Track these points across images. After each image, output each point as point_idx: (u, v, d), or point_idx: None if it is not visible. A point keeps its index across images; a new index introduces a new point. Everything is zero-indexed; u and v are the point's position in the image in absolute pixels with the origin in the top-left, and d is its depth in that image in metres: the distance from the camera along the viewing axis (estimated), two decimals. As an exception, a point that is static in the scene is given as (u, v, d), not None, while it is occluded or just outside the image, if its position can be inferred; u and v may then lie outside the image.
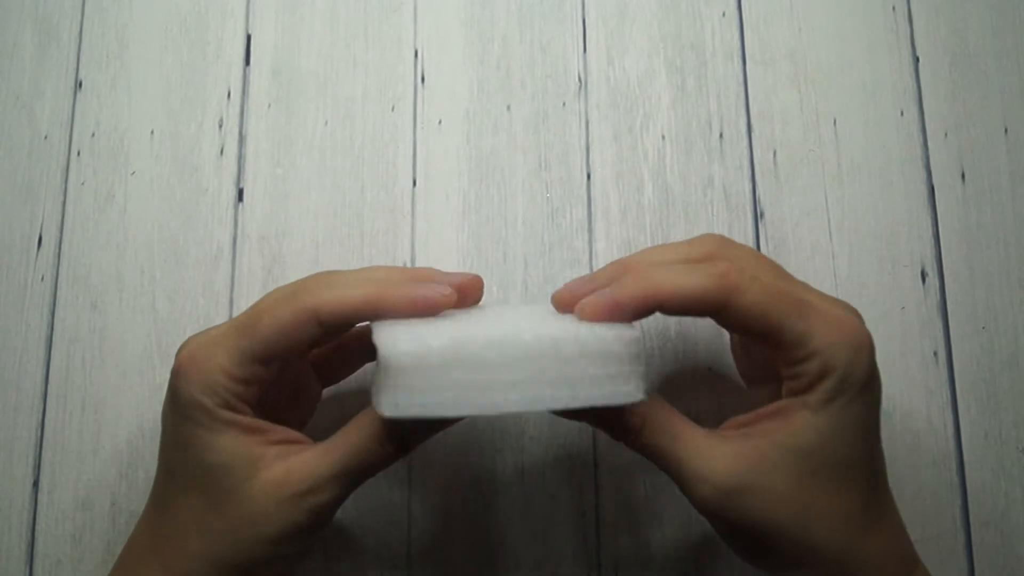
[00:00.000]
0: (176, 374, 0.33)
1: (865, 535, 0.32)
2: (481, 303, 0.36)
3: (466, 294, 0.35)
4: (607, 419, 0.33)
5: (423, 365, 0.30)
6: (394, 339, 0.30)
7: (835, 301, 0.34)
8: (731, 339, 0.40)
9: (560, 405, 0.30)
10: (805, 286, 0.34)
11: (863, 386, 0.32)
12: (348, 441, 0.33)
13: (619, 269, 0.33)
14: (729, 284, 0.31)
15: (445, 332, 0.31)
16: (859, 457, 0.33)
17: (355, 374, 0.41)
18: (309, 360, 0.39)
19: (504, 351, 0.30)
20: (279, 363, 0.34)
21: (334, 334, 0.35)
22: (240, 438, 0.33)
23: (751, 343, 0.38)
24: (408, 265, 0.44)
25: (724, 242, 0.35)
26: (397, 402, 0.30)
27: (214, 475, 0.33)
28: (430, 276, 0.34)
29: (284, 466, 0.33)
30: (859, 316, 0.34)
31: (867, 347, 0.32)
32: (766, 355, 0.36)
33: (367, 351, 0.36)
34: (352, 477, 0.33)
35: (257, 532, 0.33)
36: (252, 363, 0.33)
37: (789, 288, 0.33)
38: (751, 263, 0.34)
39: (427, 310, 0.32)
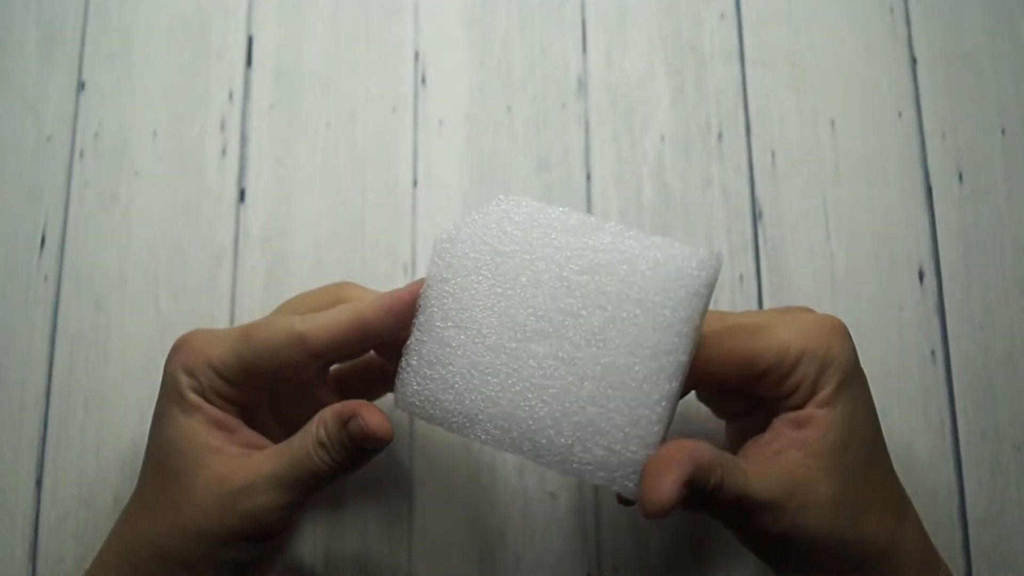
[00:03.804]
0: (171, 350, 0.34)
1: (903, 521, 0.33)
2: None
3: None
4: (699, 499, 0.30)
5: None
6: None
7: (787, 310, 0.35)
8: (696, 391, 0.38)
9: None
10: (754, 312, 0.36)
11: (856, 367, 0.33)
12: (291, 447, 0.33)
13: None
14: None
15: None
16: (878, 438, 0.33)
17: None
18: (335, 383, 0.39)
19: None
20: (273, 377, 0.34)
21: (329, 359, 0.35)
22: (202, 425, 0.33)
23: (735, 397, 0.37)
24: (409, 265, 0.44)
25: None
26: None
27: (168, 453, 0.33)
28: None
29: (230, 464, 0.33)
30: (807, 310, 0.35)
31: (841, 329, 0.33)
32: (746, 395, 0.35)
33: (389, 379, 0.35)
34: (293, 483, 0.32)
35: (194, 526, 0.32)
36: (239, 369, 0.33)
37: (735, 321, 0.33)
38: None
39: (410, 306, 0.33)
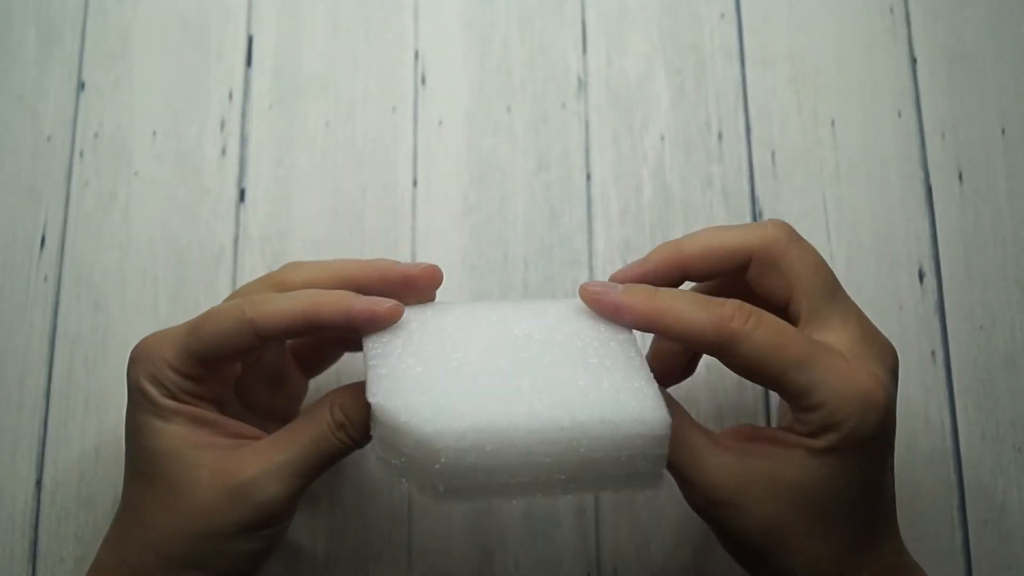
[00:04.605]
0: (129, 363, 0.34)
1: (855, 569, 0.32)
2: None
3: (418, 285, 0.34)
4: None
5: (463, 448, 0.28)
6: (410, 403, 0.29)
7: (866, 340, 0.33)
8: None
9: (596, 488, 0.31)
10: (845, 312, 0.34)
11: (867, 441, 0.31)
12: (300, 432, 0.33)
13: (666, 252, 0.34)
14: (727, 329, 0.31)
15: (465, 392, 0.30)
16: (853, 503, 0.32)
17: (340, 366, 0.41)
18: (290, 351, 0.39)
19: (545, 436, 0.29)
20: (228, 364, 0.34)
21: (279, 341, 0.35)
22: (185, 427, 0.33)
23: None
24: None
25: (788, 233, 0.34)
26: (441, 486, 0.29)
27: (159, 462, 0.33)
28: (386, 268, 0.34)
29: (231, 456, 0.32)
30: (883, 363, 0.33)
31: (878, 405, 0.31)
32: None
33: (345, 341, 0.38)
34: (307, 468, 0.32)
35: (201, 526, 0.32)
36: (195, 363, 0.33)
37: (795, 335, 0.32)
38: (802, 270, 0.34)
39: (367, 323, 0.32)
